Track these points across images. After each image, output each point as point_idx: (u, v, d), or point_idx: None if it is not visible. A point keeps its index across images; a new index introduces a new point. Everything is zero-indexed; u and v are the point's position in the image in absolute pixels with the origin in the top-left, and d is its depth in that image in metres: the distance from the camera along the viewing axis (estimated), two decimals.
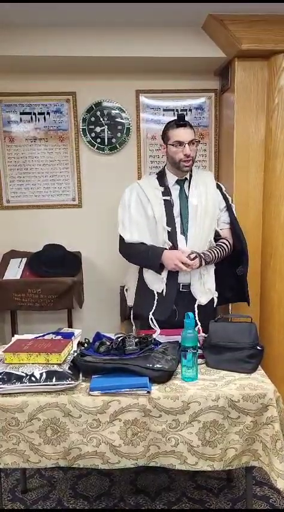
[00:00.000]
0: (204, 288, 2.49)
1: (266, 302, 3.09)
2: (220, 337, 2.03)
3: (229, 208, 2.58)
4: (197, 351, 1.92)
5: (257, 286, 3.12)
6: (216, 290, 2.56)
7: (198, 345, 1.96)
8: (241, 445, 1.81)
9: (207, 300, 2.50)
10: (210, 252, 2.46)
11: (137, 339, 2.01)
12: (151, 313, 2.48)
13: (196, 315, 2.37)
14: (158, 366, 1.88)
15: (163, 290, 2.47)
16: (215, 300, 2.53)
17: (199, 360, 2.00)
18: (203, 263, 2.40)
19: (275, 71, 2.87)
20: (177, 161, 2.43)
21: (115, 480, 2.50)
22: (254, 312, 3.06)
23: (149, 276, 2.53)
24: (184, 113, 2.77)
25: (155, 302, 2.48)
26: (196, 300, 2.47)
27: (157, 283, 2.49)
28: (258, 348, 2.01)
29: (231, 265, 2.59)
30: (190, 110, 3.41)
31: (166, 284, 2.46)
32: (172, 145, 2.42)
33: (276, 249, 2.99)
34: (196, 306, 2.45)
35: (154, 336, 2.19)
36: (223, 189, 2.62)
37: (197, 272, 2.46)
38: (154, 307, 2.48)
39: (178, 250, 2.41)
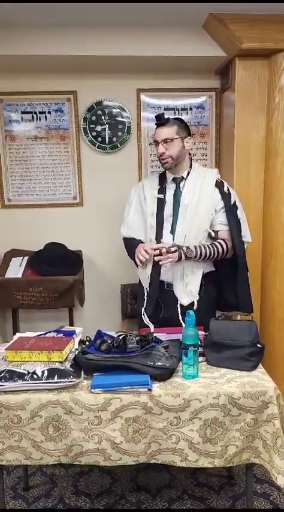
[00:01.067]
0: (186, 288, 2.47)
1: (266, 301, 3.10)
2: (221, 335, 2.04)
3: (228, 209, 2.48)
4: (198, 348, 1.93)
5: (258, 286, 3.13)
6: (219, 294, 2.59)
7: (199, 343, 1.97)
8: (242, 442, 1.82)
9: (188, 301, 2.46)
10: (195, 247, 2.40)
11: (138, 337, 2.01)
12: (143, 308, 2.53)
13: (179, 315, 2.41)
14: (159, 363, 1.89)
15: (148, 286, 2.52)
16: (195, 304, 2.45)
17: (200, 358, 2.02)
18: (183, 256, 2.35)
19: (275, 70, 2.88)
20: (158, 158, 2.51)
21: (117, 477, 2.51)
22: (254, 310, 3.06)
23: (139, 272, 2.60)
24: (163, 111, 2.75)
25: (145, 298, 2.53)
26: (177, 300, 2.48)
27: (144, 280, 2.55)
28: (259, 345, 2.02)
29: (233, 269, 2.52)
30: (191, 109, 3.42)
31: (149, 281, 2.50)
32: (154, 143, 2.52)
33: (277, 248, 3.00)
34: (178, 305, 2.46)
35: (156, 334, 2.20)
36: (225, 188, 2.51)
37: (179, 271, 2.45)
38: (145, 303, 2.52)
39: (147, 243, 2.47)
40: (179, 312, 2.43)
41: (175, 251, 2.34)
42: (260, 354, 2.03)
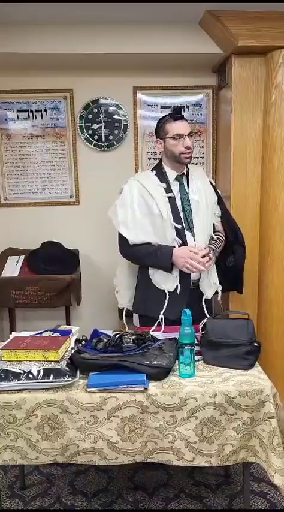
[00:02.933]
0: (210, 282, 2.49)
1: (263, 298, 3.09)
2: (218, 334, 2.03)
3: (220, 200, 2.59)
4: (194, 347, 1.92)
5: (255, 282, 3.12)
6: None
7: (195, 341, 1.96)
8: (238, 441, 1.82)
9: (212, 293, 2.51)
10: (215, 246, 2.45)
11: (134, 336, 2.01)
12: (162, 312, 2.39)
13: (205, 310, 2.40)
14: (155, 362, 1.88)
15: (175, 289, 2.40)
16: (220, 293, 2.52)
17: (197, 357, 2.01)
18: (214, 259, 2.41)
19: (272, 67, 2.87)
20: (177, 154, 2.40)
21: (113, 476, 2.51)
22: (251, 307, 3.08)
23: (159, 275, 2.44)
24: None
25: (166, 301, 2.40)
26: (203, 295, 2.46)
27: (169, 282, 2.41)
28: (255, 344, 2.01)
29: (223, 255, 2.58)
30: (188, 107, 3.41)
31: (179, 282, 2.40)
32: (172, 138, 2.38)
33: (274, 244, 3.00)
34: (203, 300, 2.44)
35: (153, 333, 2.19)
36: (213, 182, 2.63)
37: None
38: (165, 307, 2.40)
39: (188, 248, 2.34)
40: (204, 307, 2.41)
41: (204, 255, 2.34)
42: (257, 353, 2.02)
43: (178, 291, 2.40)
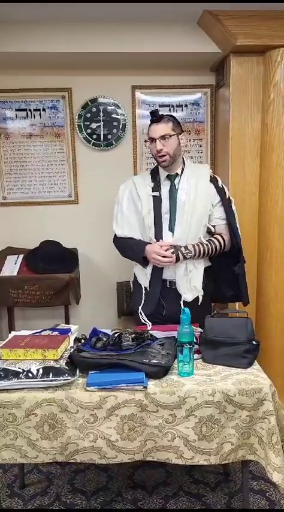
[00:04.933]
0: (189, 285, 2.46)
1: (262, 296, 3.10)
2: (216, 333, 2.04)
3: (224, 203, 2.50)
4: (193, 346, 1.92)
5: (254, 280, 3.13)
6: (216, 288, 2.58)
7: (194, 340, 1.96)
8: (237, 439, 1.82)
9: (192, 297, 2.47)
10: (194, 246, 2.41)
11: (134, 335, 2.01)
12: (140, 307, 2.51)
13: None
14: (154, 361, 1.89)
15: (149, 285, 2.51)
16: (200, 298, 2.47)
17: (196, 355, 2.01)
18: (181, 258, 2.37)
19: (270, 66, 2.87)
20: (154, 157, 2.46)
21: (113, 475, 2.51)
22: (250, 305, 3.06)
23: (137, 271, 2.59)
24: (158, 108, 2.68)
25: (143, 297, 2.52)
26: (181, 296, 2.47)
27: (143, 278, 2.54)
28: (254, 342, 2.02)
29: (229, 262, 2.54)
30: (186, 106, 3.41)
31: (150, 279, 2.49)
32: (148, 141, 2.49)
33: (272, 242, 3.01)
34: (181, 302, 2.44)
35: (152, 332, 2.20)
36: (219, 182, 2.53)
37: (182, 268, 2.44)
38: (142, 302, 2.51)
39: (156, 243, 2.41)
40: (182, 308, 2.40)
41: (172, 253, 2.35)
42: (255, 351, 2.03)
43: (148, 288, 2.50)
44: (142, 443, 1.81)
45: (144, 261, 2.47)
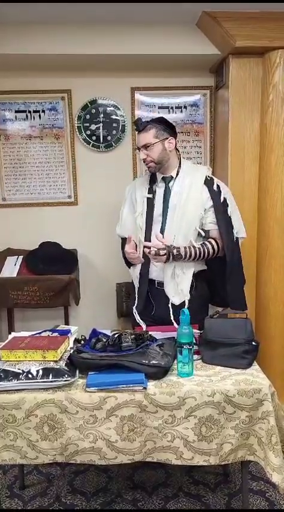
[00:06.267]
0: (177, 288, 2.46)
1: (261, 296, 3.10)
2: (216, 333, 2.04)
3: (217, 208, 2.43)
4: (193, 347, 1.93)
5: (253, 281, 3.14)
6: (216, 293, 2.59)
7: (194, 341, 1.97)
8: (237, 439, 1.82)
9: (180, 300, 2.44)
10: (185, 248, 2.36)
11: (133, 336, 2.01)
12: (134, 307, 2.55)
13: (171, 314, 2.41)
14: (154, 362, 1.89)
15: (138, 284, 2.56)
16: (186, 303, 2.40)
17: (195, 356, 2.02)
18: (171, 258, 2.33)
19: (269, 67, 2.88)
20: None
21: (113, 476, 2.52)
22: (249, 306, 3.06)
23: (131, 271, 2.65)
24: (140, 117, 2.63)
25: (136, 296, 2.56)
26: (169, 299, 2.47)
27: (134, 278, 2.60)
28: (253, 343, 2.02)
29: (221, 267, 2.50)
30: (185, 107, 3.42)
31: (139, 279, 2.54)
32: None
33: (271, 243, 3.02)
34: (170, 304, 2.44)
35: (151, 332, 2.20)
36: (215, 185, 2.46)
37: (170, 270, 2.44)
38: (136, 302, 2.55)
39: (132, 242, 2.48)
40: (171, 311, 2.42)
41: (164, 254, 2.31)
42: (255, 352, 2.03)
43: (136, 287, 2.56)
44: (142, 444, 1.82)
45: (127, 260, 2.59)
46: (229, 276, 2.47)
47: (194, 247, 2.40)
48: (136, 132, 2.48)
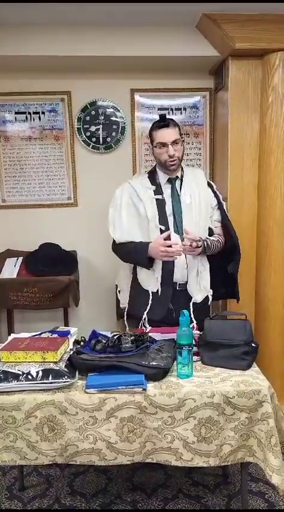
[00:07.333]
0: (200, 286, 2.50)
1: (261, 298, 3.11)
2: (215, 335, 2.04)
3: (220, 206, 2.58)
4: (192, 348, 1.93)
5: (252, 282, 3.14)
6: (211, 286, 2.59)
7: (193, 342, 1.97)
8: (236, 441, 1.83)
9: (202, 297, 2.50)
10: (212, 241, 2.46)
11: (133, 337, 2.02)
12: (145, 313, 2.46)
13: (192, 313, 2.38)
14: (154, 363, 1.89)
15: (158, 290, 2.46)
16: (210, 298, 2.53)
17: (195, 357, 2.02)
18: (205, 249, 2.39)
19: (268, 69, 2.89)
20: (163, 162, 2.44)
21: (112, 477, 2.52)
22: (249, 307, 3.09)
23: (144, 275, 2.51)
24: (166, 112, 2.65)
25: (149, 302, 2.46)
26: (191, 298, 2.47)
27: (152, 282, 2.48)
28: (253, 344, 2.03)
29: (224, 261, 2.58)
30: (185, 109, 3.42)
31: (161, 283, 2.45)
32: (156, 146, 2.44)
33: (271, 244, 3.02)
34: (191, 304, 2.45)
35: (151, 334, 2.20)
36: (214, 186, 2.63)
37: (195, 269, 2.46)
38: (148, 307, 2.46)
39: (161, 236, 2.34)
40: (191, 310, 2.40)
41: (200, 246, 2.35)
42: (254, 353, 2.03)
43: (159, 292, 2.45)
44: (142, 445, 1.82)
45: (149, 262, 2.42)
46: (235, 267, 2.57)
47: (214, 241, 2.48)
48: (159, 128, 2.41)
